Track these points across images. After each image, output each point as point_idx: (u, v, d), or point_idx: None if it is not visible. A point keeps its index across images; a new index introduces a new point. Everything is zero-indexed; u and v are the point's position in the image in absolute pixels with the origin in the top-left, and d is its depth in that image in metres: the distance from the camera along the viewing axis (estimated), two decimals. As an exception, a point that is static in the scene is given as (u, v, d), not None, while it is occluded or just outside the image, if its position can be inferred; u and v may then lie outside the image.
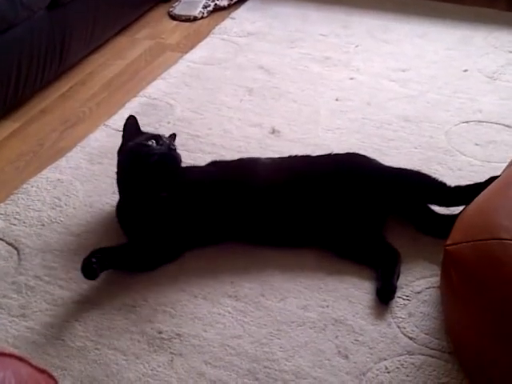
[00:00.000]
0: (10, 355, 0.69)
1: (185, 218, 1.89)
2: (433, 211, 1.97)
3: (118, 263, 1.83)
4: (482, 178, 1.97)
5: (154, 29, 3.18)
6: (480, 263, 1.51)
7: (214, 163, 2.07)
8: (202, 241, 1.92)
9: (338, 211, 1.90)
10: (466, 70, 2.74)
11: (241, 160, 2.08)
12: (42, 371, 0.72)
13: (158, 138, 1.96)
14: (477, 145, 2.32)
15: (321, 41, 3.00)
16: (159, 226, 1.88)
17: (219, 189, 1.93)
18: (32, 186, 2.18)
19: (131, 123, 2.02)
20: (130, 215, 1.93)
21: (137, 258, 1.86)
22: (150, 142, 1.93)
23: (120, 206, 2.00)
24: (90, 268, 1.72)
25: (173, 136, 2.11)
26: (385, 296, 1.76)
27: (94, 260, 1.73)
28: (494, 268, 1.47)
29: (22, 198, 2.13)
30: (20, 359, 0.70)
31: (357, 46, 2.95)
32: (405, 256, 1.88)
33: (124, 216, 1.96)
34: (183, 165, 2.01)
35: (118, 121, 2.47)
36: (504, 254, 1.46)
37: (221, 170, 2.01)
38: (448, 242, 1.63)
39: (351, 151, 2.13)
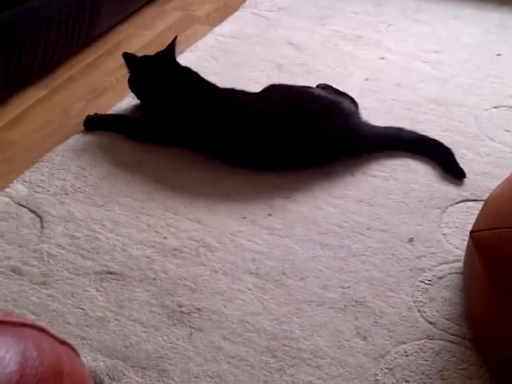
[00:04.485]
0: (32, 326, 0.69)
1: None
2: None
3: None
4: (510, 164, 1.94)
5: (183, 0, 3.16)
6: (505, 251, 1.49)
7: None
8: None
9: None
10: (499, 55, 2.69)
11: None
12: (63, 343, 0.72)
13: None
14: (507, 131, 2.28)
15: (352, 18, 2.96)
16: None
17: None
18: (57, 155, 2.18)
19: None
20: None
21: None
22: None
23: None
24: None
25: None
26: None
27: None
28: (520, 257, 1.45)
29: (47, 167, 2.13)
30: (41, 330, 0.70)
31: (389, 26, 2.90)
32: (429, 240, 1.87)
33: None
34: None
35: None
36: (531, 243, 1.44)
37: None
38: (474, 228, 1.61)
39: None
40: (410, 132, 2.21)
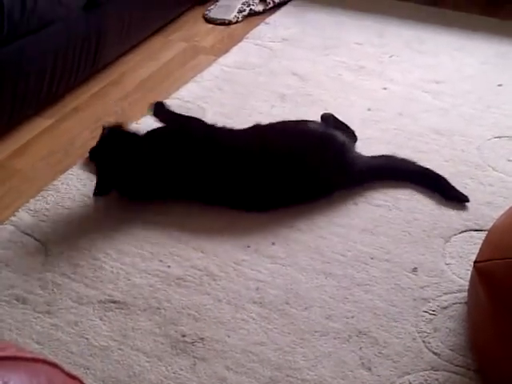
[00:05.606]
0: (43, 361, 0.70)
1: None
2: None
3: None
4: (513, 194, 1.95)
5: (188, 31, 3.19)
6: (510, 281, 1.49)
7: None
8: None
9: None
10: (500, 85, 2.71)
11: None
12: (74, 378, 0.72)
13: None
14: (509, 161, 2.29)
15: (355, 49, 2.98)
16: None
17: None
18: (62, 184, 2.19)
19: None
20: None
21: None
22: None
23: None
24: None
25: None
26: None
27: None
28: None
29: (52, 195, 2.14)
30: (52, 365, 0.70)
31: (391, 56, 2.93)
32: (432, 270, 1.87)
33: None
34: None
35: (150, 122, 2.48)
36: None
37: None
38: (477, 258, 1.61)
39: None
40: (403, 161, 2.22)
